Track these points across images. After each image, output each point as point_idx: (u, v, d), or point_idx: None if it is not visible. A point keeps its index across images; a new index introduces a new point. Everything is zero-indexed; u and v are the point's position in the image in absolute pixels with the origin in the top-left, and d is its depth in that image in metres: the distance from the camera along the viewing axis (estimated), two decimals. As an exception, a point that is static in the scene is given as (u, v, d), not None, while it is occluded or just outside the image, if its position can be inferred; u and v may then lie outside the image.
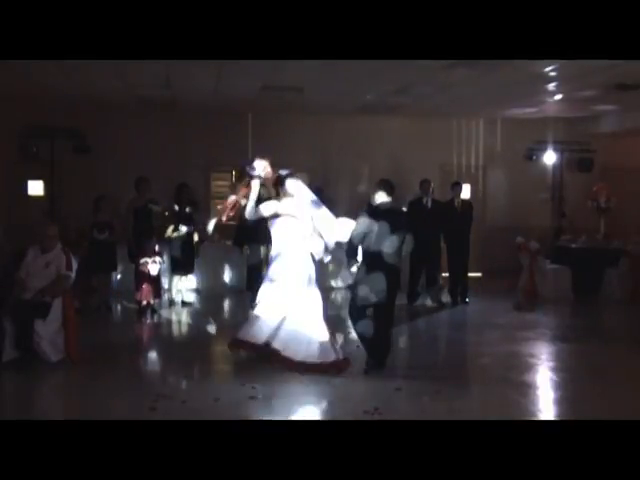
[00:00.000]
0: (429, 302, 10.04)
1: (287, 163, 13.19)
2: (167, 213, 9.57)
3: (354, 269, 6.71)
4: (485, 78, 8.94)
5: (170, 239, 9.46)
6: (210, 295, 10.72)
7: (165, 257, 9.65)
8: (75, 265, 6.76)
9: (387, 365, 6.32)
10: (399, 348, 7.66)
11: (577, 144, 12.57)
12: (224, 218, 7.17)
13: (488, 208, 13.49)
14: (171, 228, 9.42)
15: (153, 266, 9.06)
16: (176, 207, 9.47)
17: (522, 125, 13.06)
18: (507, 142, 13.18)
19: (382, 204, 6.45)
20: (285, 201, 6.76)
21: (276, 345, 6.25)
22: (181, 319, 9.07)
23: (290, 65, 8.00)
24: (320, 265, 7.43)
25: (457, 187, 10.23)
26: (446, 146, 12.99)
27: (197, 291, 10.81)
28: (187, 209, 9.55)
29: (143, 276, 9.04)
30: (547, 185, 13.64)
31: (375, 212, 6.40)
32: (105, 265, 9.30)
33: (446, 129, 12.92)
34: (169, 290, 9.82)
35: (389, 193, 6.50)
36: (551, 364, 6.83)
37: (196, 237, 9.75)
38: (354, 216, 6.69)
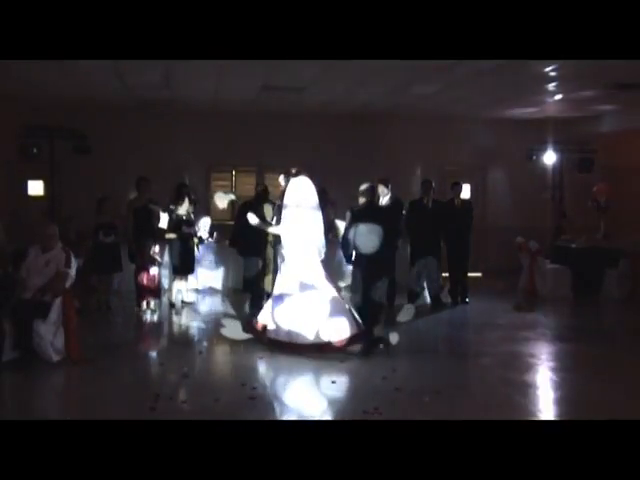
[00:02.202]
0: (428, 302, 10.04)
1: (287, 163, 13.28)
2: (165, 212, 9.57)
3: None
4: (485, 78, 8.94)
5: (170, 239, 9.46)
6: (210, 295, 10.73)
7: (165, 257, 9.67)
8: (75, 263, 6.77)
9: (385, 364, 6.35)
10: (399, 348, 7.66)
11: (577, 144, 12.58)
12: None
13: (488, 208, 13.50)
14: (172, 226, 9.41)
15: (153, 266, 9.07)
16: (174, 207, 9.47)
17: (522, 125, 13.07)
18: (507, 142, 13.19)
19: (361, 204, 7.31)
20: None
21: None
22: (181, 319, 9.07)
23: (290, 65, 8.00)
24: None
25: (457, 187, 10.23)
26: (446, 146, 13.00)
27: (197, 291, 10.81)
28: (186, 209, 9.54)
29: (143, 276, 9.05)
30: (547, 185, 13.65)
31: (354, 213, 7.28)
32: (110, 266, 9.30)
33: (446, 129, 12.93)
34: (169, 290, 9.82)
35: (368, 197, 7.42)
36: (551, 364, 6.83)
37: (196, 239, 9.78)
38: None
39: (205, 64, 7.87)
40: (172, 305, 9.57)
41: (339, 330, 6.83)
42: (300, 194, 7.13)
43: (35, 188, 11.70)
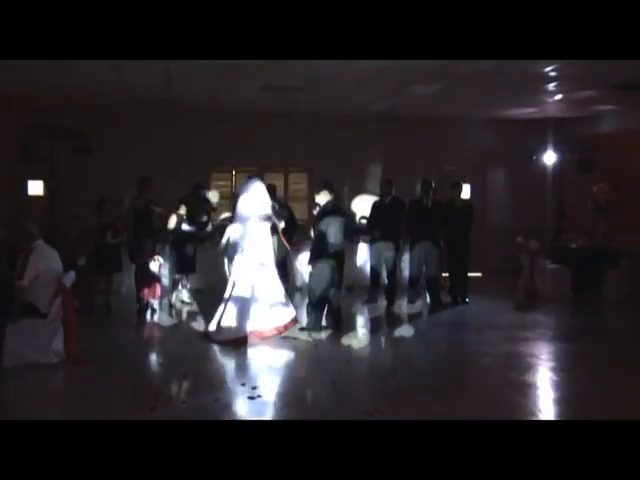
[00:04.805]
0: (428, 301, 10.05)
1: (287, 163, 13.28)
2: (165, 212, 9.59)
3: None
4: (485, 78, 8.94)
5: (171, 240, 9.45)
6: (210, 295, 10.72)
7: (166, 257, 9.66)
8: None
9: (385, 364, 6.33)
10: (399, 348, 7.68)
11: (577, 144, 12.56)
12: None
13: (488, 208, 13.49)
14: (173, 225, 9.40)
15: (153, 266, 9.07)
16: (182, 208, 9.48)
17: (522, 125, 13.06)
18: (507, 142, 13.18)
19: (327, 203, 8.13)
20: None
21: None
22: (181, 319, 9.07)
23: (290, 65, 8.00)
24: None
25: (457, 187, 10.23)
26: (446, 146, 12.99)
27: (197, 291, 10.80)
28: (194, 210, 9.57)
29: (143, 276, 9.06)
30: (547, 185, 13.64)
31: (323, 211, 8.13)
32: (111, 266, 9.30)
33: (446, 129, 12.92)
34: (170, 290, 9.81)
35: (330, 192, 8.19)
36: (551, 364, 6.83)
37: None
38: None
39: (205, 64, 7.86)
40: (172, 305, 9.57)
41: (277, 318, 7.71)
42: (248, 197, 7.82)
43: (35, 188, 11.68)
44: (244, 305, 7.54)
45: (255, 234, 7.76)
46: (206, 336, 7.68)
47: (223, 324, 7.55)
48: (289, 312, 7.93)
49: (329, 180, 8.92)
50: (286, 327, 7.79)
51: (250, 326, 7.47)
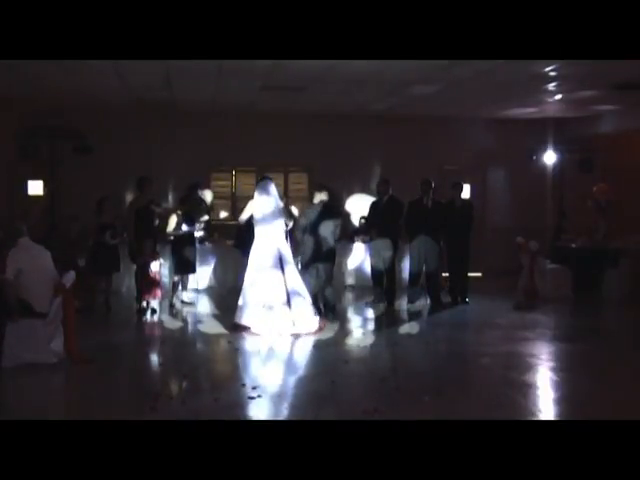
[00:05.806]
0: (426, 303, 10.05)
1: (287, 163, 13.29)
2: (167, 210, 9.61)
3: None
4: (485, 78, 8.94)
5: (171, 239, 9.45)
6: (210, 295, 10.73)
7: (166, 257, 9.66)
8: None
9: (385, 364, 6.33)
10: (399, 347, 7.67)
11: (577, 144, 12.56)
12: None
13: (488, 208, 13.49)
14: (173, 225, 9.40)
15: (153, 266, 9.07)
16: (179, 211, 9.48)
17: (522, 125, 13.06)
18: (507, 142, 13.18)
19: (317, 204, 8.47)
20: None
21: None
22: (182, 319, 9.06)
23: (290, 65, 8.01)
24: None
25: (457, 187, 10.23)
26: (446, 146, 12.99)
27: (197, 291, 10.81)
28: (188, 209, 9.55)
29: (144, 276, 9.05)
30: (547, 185, 13.65)
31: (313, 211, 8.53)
32: (110, 266, 9.29)
33: (446, 129, 12.92)
34: (169, 290, 9.81)
35: (325, 193, 8.52)
36: (551, 364, 6.82)
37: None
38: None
39: (205, 64, 7.87)
40: (172, 305, 9.57)
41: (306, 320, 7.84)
42: (262, 196, 8.07)
43: (35, 188, 11.69)
44: (264, 305, 7.78)
45: (275, 235, 7.97)
46: (236, 327, 7.90)
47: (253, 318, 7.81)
48: (313, 317, 8.00)
49: (322, 181, 9.03)
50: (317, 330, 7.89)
51: (278, 325, 7.73)
